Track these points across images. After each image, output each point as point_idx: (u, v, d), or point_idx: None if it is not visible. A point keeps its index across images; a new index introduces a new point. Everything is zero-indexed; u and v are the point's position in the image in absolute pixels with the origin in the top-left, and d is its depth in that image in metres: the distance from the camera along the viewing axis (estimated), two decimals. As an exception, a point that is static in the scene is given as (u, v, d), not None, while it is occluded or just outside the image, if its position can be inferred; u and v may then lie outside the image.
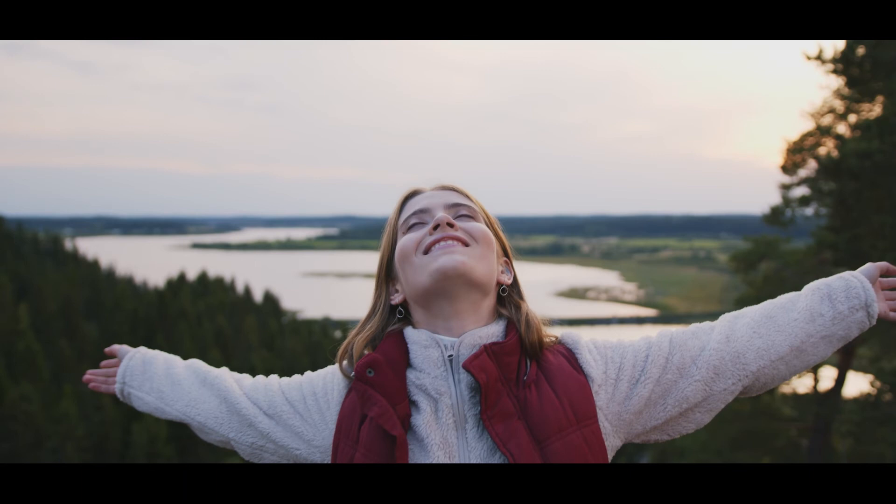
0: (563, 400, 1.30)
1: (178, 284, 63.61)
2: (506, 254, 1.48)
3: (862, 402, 14.79)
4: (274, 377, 1.60)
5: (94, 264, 76.62)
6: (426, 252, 1.34)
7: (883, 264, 1.50)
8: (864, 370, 15.45)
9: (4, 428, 33.77)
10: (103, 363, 1.85)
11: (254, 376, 1.62)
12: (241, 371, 1.70)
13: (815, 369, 16.03)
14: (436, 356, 1.33)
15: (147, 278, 79.31)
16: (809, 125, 14.93)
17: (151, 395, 1.68)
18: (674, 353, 1.40)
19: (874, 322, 1.46)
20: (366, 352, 1.39)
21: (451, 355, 1.33)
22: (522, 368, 1.33)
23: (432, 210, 1.41)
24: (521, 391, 1.30)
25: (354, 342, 1.41)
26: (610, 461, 1.37)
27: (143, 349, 1.80)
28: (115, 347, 1.82)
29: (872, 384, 14.36)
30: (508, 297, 1.43)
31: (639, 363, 1.39)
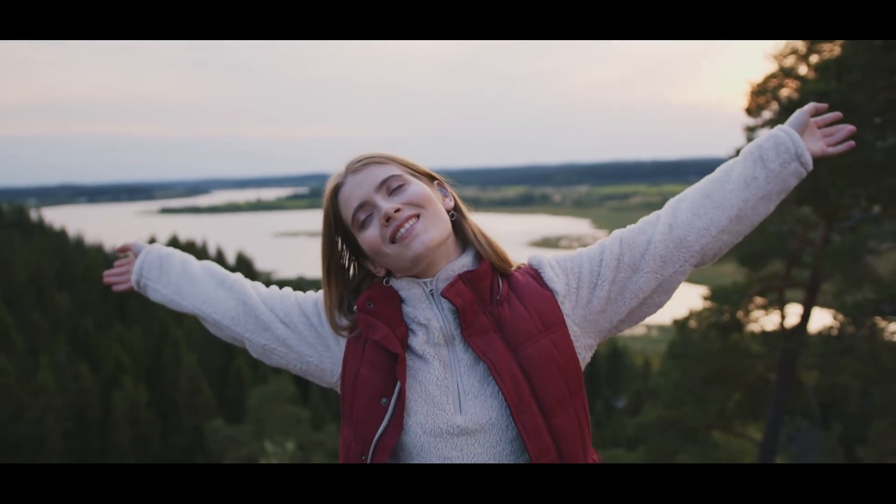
0: (532, 312, 1.51)
1: (149, 250, 62.84)
2: (432, 175, 1.63)
3: (826, 335, 15.23)
4: (288, 289, 1.75)
5: (62, 234, 75.48)
6: (392, 241, 1.51)
7: (810, 106, 1.61)
8: (828, 305, 15.87)
9: (-18, 402, 33.60)
10: (117, 262, 1.94)
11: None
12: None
13: (781, 307, 16.45)
14: (419, 292, 1.55)
15: (117, 246, 78.22)
16: (773, 67, 15.07)
17: (168, 288, 1.80)
18: (624, 252, 1.56)
19: (810, 167, 1.57)
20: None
21: (431, 290, 1.54)
22: (495, 289, 1.54)
23: (370, 199, 1.54)
24: (496, 308, 1.52)
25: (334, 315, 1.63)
26: (584, 360, 1.57)
27: (158, 245, 1.89)
28: (130, 243, 1.90)
29: (835, 317, 14.78)
30: (458, 220, 1.60)
31: (594, 269, 1.57)
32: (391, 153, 1.59)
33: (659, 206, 1.64)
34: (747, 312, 16.59)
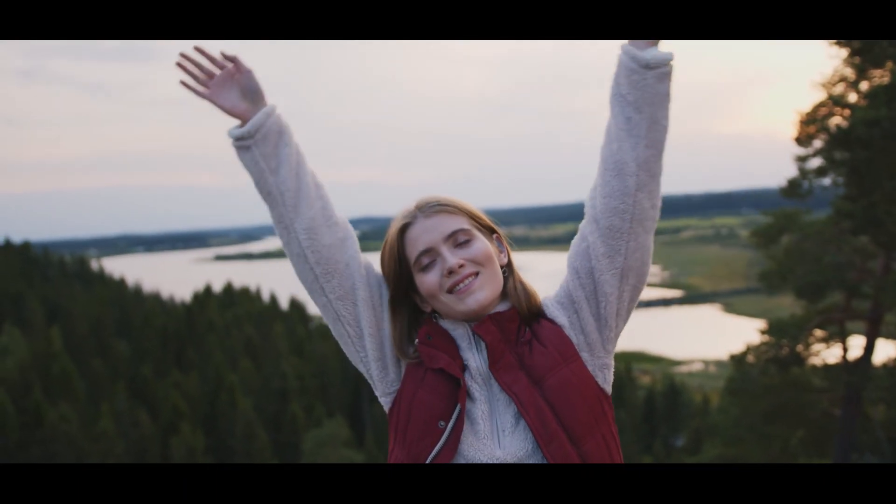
0: (549, 347, 1.61)
1: (204, 297, 64.17)
2: (493, 228, 1.73)
3: (891, 367, 14.74)
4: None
5: (121, 283, 77.51)
6: (449, 291, 1.62)
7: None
8: (893, 336, 15.37)
9: (46, 449, 34.36)
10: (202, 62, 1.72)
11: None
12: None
13: (843, 339, 15.97)
14: (462, 332, 1.66)
15: (173, 293, 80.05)
16: (822, 95, 14.88)
17: (275, 175, 1.66)
18: (578, 267, 1.65)
19: (660, 60, 1.55)
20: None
21: (472, 332, 1.65)
22: (521, 331, 1.64)
23: (437, 248, 1.64)
24: (520, 348, 1.62)
25: (400, 342, 1.70)
26: (605, 382, 1.65)
27: (279, 114, 1.69)
28: (239, 58, 1.69)
29: (901, 349, 14.30)
30: (507, 274, 1.71)
31: (574, 294, 1.65)
32: (460, 202, 1.69)
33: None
34: (807, 346, 16.16)
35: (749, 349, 16.10)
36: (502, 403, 1.58)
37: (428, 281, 1.64)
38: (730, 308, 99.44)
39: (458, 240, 1.64)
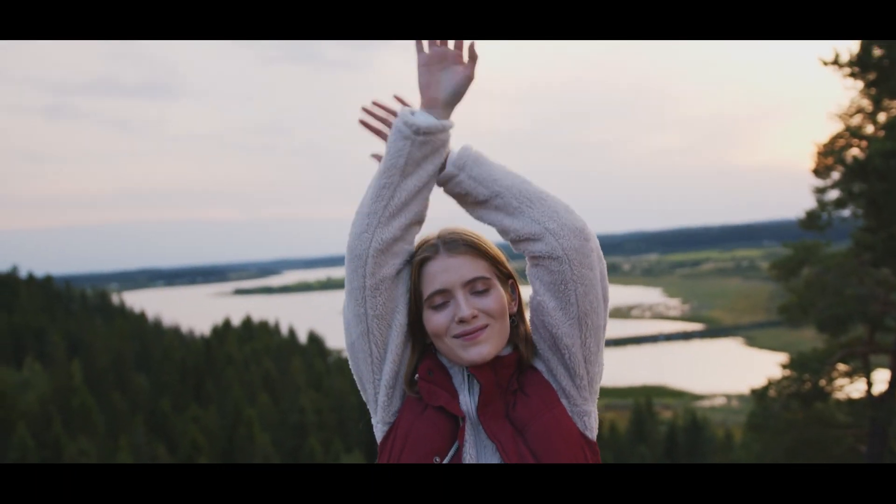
0: (533, 396, 1.61)
1: (223, 331, 64.41)
2: (510, 274, 1.71)
3: (917, 403, 14.46)
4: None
5: (141, 317, 78.01)
6: (455, 336, 1.60)
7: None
8: (918, 370, 15.08)
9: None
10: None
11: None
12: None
13: (867, 373, 15.72)
14: (458, 370, 1.66)
15: (193, 327, 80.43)
16: (839, 126, 14.85)
17: (404, 178, 1.61)
18: (537, 324, 1.64)
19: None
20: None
21: (467, 373, 1.65)
22: (512, 380, 1.63)
23: (453, 291, 1.61)
24: (509, 397, 1.61)
25: (407, 374, 1.70)
26: (589, 429, 1.63)
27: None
28: (476, 59, 1.66)
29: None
30: (515, 322, 1.69)
31: (539, 348, 1.65)
32: (484, 241, 1.66)
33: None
34: (830, 380, 15.91)
35: (770, 384, 15.87)
36: (489, 450, 1.58)
37: (436, 321, 1.62)
38: (752, 341, 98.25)
39: (475, 288, 1.61)
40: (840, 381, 16.10)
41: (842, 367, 15.86)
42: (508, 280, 1.69)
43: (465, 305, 1.59)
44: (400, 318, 1.64)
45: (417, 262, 1.64)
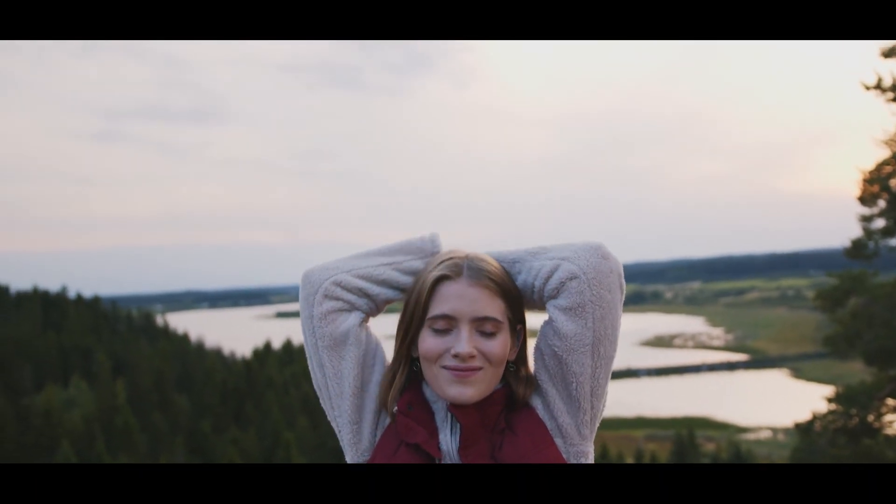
0: (521, 436, 1.51)
1: (264, 354, 65.02)
2: (523, 319, 1.61)
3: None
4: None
5: (185, 338, 79.23)
6: (445, 367, 1.51)
7: None
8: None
9: (105, 502, 34.78)
10: None
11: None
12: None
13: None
14: (441, 406, 1.56)
15: (235, 349, 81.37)
16: (885, 153, 14.52)
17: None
18: (543, 350, 1.56)
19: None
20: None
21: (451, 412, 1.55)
22: (500, 419, 1.54)
23: (459, 321, 1.51)
24: (498, 436, 1.52)
25: (391, 395, 1.60)
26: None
27: None
28: None
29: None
30: (514, 368, 1.60)
31: (540, 378, 1.56)
32: (507, 281, 1.56)
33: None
34: (879, 416, 15.40)
35: (815, 418, 15.42)
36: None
37: (431, 345, 1.52)
38: (798, 373, 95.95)
39: (484, 328, 1.51)
40: (889, 417, 15.58)
41: (891, 402, 15.35)
42: (517, 326, 1.59)
43: (466, 342, 1.50)
44: (353, 350, 1.59)
45: (434, 278, 1.53)
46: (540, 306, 1.58)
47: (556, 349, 1.52)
